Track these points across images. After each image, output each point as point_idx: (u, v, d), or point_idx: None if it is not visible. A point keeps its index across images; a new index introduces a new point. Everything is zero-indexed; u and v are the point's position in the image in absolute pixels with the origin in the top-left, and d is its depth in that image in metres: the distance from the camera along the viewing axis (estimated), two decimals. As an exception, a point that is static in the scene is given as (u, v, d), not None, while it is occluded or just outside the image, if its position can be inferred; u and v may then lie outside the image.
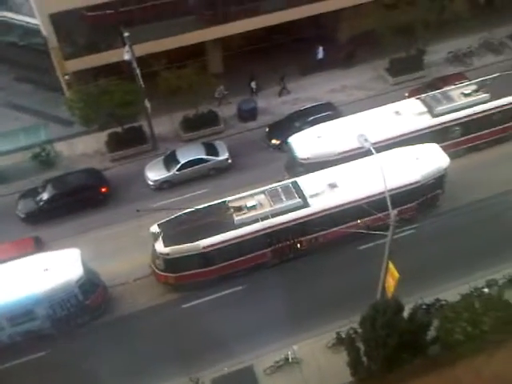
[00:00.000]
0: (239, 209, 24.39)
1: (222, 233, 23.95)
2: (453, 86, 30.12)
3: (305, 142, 27.68)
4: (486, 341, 19.88)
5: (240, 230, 24.05)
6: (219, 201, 25.13)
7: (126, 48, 27.56)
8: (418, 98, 29.40)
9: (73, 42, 30.77)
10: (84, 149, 32.40)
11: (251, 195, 25.05)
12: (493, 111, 28.71)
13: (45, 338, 23.85)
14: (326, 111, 31.41)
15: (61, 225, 28.27)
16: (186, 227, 24.05)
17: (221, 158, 30.42)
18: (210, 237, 23.85)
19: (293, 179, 25.98)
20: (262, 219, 24.21)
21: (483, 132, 29.35)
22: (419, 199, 26.49)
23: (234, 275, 25.50)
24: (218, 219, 24.03)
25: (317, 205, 24.62)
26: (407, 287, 22.60)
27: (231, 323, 24.09)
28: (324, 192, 24.85)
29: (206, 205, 25.00)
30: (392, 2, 32.70)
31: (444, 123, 28.18)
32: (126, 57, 27.80)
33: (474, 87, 29.24)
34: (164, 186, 30.11)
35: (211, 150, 30.69)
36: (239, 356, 23.36)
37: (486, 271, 25.12)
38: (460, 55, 36.20)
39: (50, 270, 23.01)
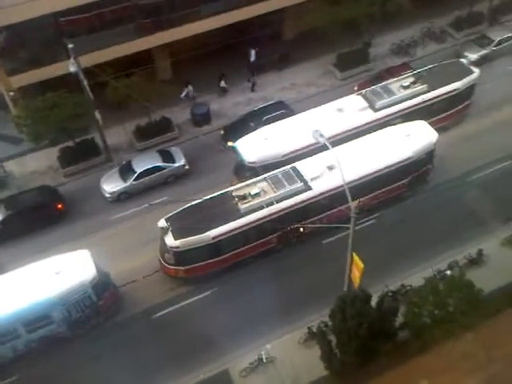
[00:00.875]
0: (244, 197, 24.83)
1: (230, 222, 24.28)
2: (391, 80, 30.56)
3: (251, 146, 27.64)
4: (453, 324, 20.41)
5: (247, 217, 24.42)
6: (222, 191, 25.43)
7: (72, 60, 26.98)
8: (359, 94, 29.71)
9: (15, 57, 29.88)
10: (36, 166, 31.47)
11: (253, 183, 25.45)
12: (432, 101, 29.25)
13: (58, 342, 23.55)
14: (279, 110, 31.52)
15: (18, 245, 27.36)
16: (194, 219, 24.25)
17: (178, 164, 30.14)
18: (218, 227, 24.12)
19: (291, 165, 26.10)
20: (267, 205, 24.68)
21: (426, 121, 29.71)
22: (412, 175, 27.31)
23: (240, 264, 25.78)
24: (224, 209, 24.50)
25: (318, 187, 25.17)
26: (373, 276, 23.05)
27: (203, 328, 23.91)
28: (323, 174, 25.38)
29: (210, 196, 25.31)
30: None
31: (386, 116, 28.56)
32: (72, 69, 27.17)
33: (412, 79, 29.75)
34: (122, 198, 29.58)
35: (167, 157, 30.37)
36: (214, 361, 23.20)
37: (448, 253, 25.78)
38: (404, 46, 37.00)
39: (62, 273, 22.88)
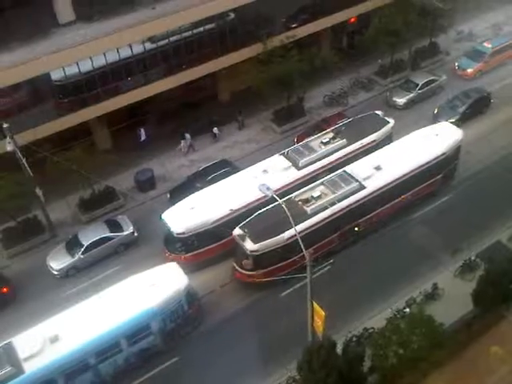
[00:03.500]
0: (307, 200, 26.90)
1: (300, 223, 25.40)
2: (312, 137, 31.22)
3: (179, 216, 27.50)
4: (420, 361, 20.48)
5: (314, 218, 26.33)
6: (285, 198, 26.23)
7: (8, 139, 26.51)
8: (281, 154, 30.07)
9: None
10: (-24, 251, 30.15)
11: (311, 188, 27.48)
12: (352, 154, 29.99)
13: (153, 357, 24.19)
14: (224, 168, 31.81)
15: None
16: (266, 224, 25.96)
17: (126, 232, 29.56)
18: (290, 228, 24.72)
19: (342, 169, 28.14)
20: (331, 205, 26.65)
21: None
22: (445, 170, 30.14)
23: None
24: (291, 212, 24.87)
25: (371, 186, 27.56)
26: (335, 323, 23.03)
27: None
28: (373, 174, 27.94)
29: (274, 204, 25.90)
30: (265, 57, 34.37)
31: (309, 173, 29.13)
32: (9, 148, 26.66)
33: (331, 135, 30.60)
34: (71, 273, 28.58)
35: (115, 226, 29.77)
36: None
37: (404, 291, 26.15)
38: (335, 97, 38.60)
39: (157, 284, 23.88)
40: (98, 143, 34.88)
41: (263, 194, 26.69)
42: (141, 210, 31.69)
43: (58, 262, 28.61)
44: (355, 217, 27.76)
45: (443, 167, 29.87)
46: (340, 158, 29.84)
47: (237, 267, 26.87)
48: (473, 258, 26.96)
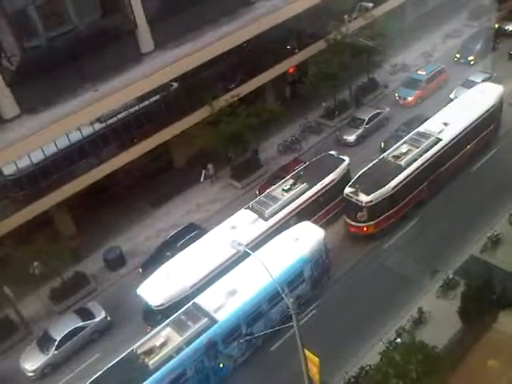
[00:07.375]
0: (398, 156, 31.07)
1: (398, 174, 29.90)
2: (273, 187, 31.42)
3: (154, 289, 26.85)
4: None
5: (408, 169, 30.41)
6: (379, 157, 31.65)
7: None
8: (247, 208, 30.08)
9: None
10: None
11: (397, 147, 31.87)
12: (315, 196, 30.47)
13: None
14: (192, 232, 31.55)
15: None
16: (371, 179, 29.91)
17: (98, 318, 28.39)
18: (392, 180, 29.59)
19: (416, 130, 33.15)
20: (419, 156, 31.02)
21: (310, 218, 30.09)
22: (494, 121, 34.83)
23: (406, 214, 31.24)
24: (387, 168, 30.56)
25: (446, 137, 32.14)
26: (330, 367, 22.54)
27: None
28: (444, 129, 32.44)
29: (371, 164, 31.17)
30: (213, 118, 35.00)
31: (277, 222, 29.20)
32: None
33: (291, 181, 30.98)
34: (47, 371, 27.13)
35: (85, 314, 28.62)
36: None
37: (392, 321, 26.01)
38: (288, 144, 39.38)
39: (300, 238, 27.03)
40: (61, 230, 34.25)
41: (235, 251, 26.71)
42: (114, 289, 30.88)
43: (32, 362, 27.13)
44: (437, 167, 31.84)
45: (493, 118, 34.51)
46: (304, 201, 30.15)
47: (351, 222, 30.23)
48: (451, 276, 27.18)
